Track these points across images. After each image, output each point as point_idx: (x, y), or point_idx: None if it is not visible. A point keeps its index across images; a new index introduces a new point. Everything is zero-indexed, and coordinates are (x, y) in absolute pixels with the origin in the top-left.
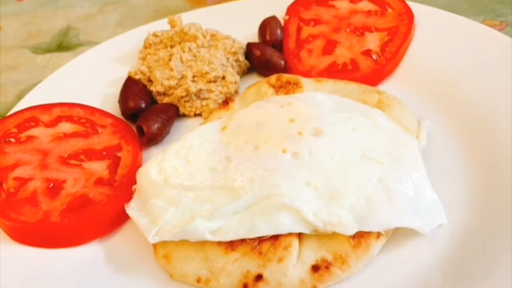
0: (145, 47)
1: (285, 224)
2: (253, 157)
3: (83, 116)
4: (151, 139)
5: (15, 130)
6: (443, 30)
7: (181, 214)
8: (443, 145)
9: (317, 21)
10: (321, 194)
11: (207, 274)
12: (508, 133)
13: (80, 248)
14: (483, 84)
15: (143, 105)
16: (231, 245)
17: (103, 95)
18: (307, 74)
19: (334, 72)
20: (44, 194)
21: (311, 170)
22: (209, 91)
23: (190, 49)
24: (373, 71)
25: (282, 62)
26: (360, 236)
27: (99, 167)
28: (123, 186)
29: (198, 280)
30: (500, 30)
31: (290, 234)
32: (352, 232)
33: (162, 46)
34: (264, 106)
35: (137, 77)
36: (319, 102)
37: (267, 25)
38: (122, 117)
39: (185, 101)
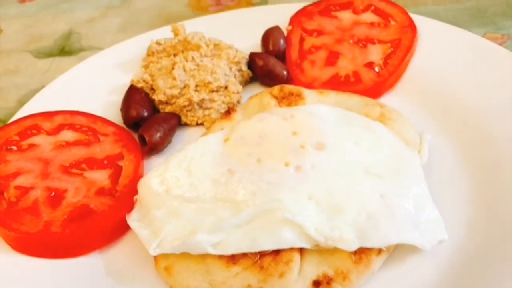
0: (148, 55)
1: (287, 238)
2: (255, 170)
3: (85, 124)
4: (153, 148)
5: (16, 137)
6: (445, 44)
7: (182, 226)
8: (444, 160)
9: (320, 32)
10: (323, 209)
11: None
12: (510, 147)
13: (80, 258)
14: (485, 98)
15: (145, 114)
16: (233, 259)
17: (105, 103)
18: (309, 85)
19: (337, 84)
20: (45, 203)
21: (314, 185)
22: (212, 100)
23: (193, 58)
24: (375, 83)
25: (285, 73)
26: (361, 252)
27: (101, 177)
28: (124, 197)
29: None
30: (501, 43)
31: (291, 249)
32: (354, 248)
33: (165, 54)
34: (266, 118)
35: (139, 85)
36: (321, 115)
37: (270, 35)
38: (124, 126)
39: (187, 111)
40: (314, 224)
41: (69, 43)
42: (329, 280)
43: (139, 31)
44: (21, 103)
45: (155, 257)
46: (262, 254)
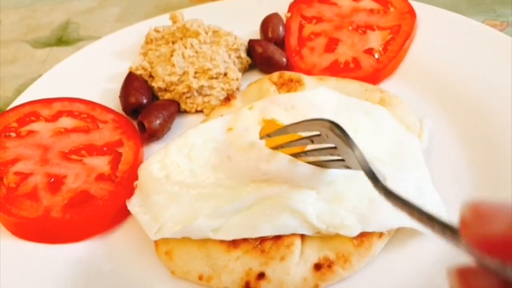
0: (146, 42)
1: (288, 225)
2: (255, 157)
3: (84, 111)
4: (152, 135)
5: (15, 124)
6: (445, 30)
7: (183, 212)
8: (444, 145)
9: (319, 19)
10: (324, 196)
11: (209, 272)
12: (510, 133)
13: (81, 244)
14: (485, 83)
15: (144, 101)
16: (233, 243)
17: (104, 90)
18: (309, 72)
19: (336, 70)
20: (45, 189)
21: (315, 171)
22: (211, 87)
23: (192, 45)
24: (375, 69)
25: (284, 60)
26: (362, 235)
27: (100, 163)
28: (124, 182)
29: (200, 278)
30: (500, 31)
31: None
32: (356, 233)
33: (163, 41)
34: (268, 109)
35: (138, 72)
36: (322, 103)
37: (269, 22)
38: (123, 113)
39: (186, 98)
40: (315, 211)
41: (67, 33)
42: (330, 263)
43: (136, 21)
44: (19, 92)
45: (156, 242)
46: (263, 239)
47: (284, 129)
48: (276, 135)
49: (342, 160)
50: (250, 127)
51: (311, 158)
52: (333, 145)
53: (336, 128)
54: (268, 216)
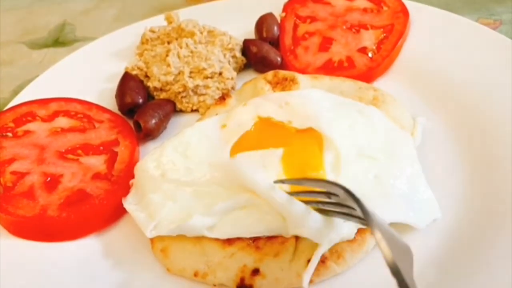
0: (142, 42)
1: (281, 228)
2: (251, 156)
3: (80, 111)
4: (148, 134)
5: (12, 124)
6: (438, 28)
7: (178, 209)
8: (437, 142)
9: (313, 18)
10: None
11: (204, 268)
12: (503, 129)
13: (77, 242)
14: (478, 81)
15: (140, 101)
16: (228, 240)
17: (100, 90)
18: (303, 71)
19: (330, 69)
20: (41, 188)
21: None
22: (206, 87)
23: (187, 45)
24: (368, 68)
25: (279, 59)
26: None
27: (97, 162)
28: (120, 181)
29: (195, 274)
30: (494, 29)
31: None
32: (353, 236)
33: (159, 42)
34: (262, 105)
35: (134, 72)
36: (316, 100)
37: (263, 22)
38: (119, 112)
39: (182, 97)
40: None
41: (63, 34)
42: (324, 259)
43: (133, 22)
44: (16, 93)
45: (152, 240)
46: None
47: (299, 181)
48: (290, 184)
49: (362, 218)
50: (243, 123)
51: (325, 208)
52: (352, 207)
53: (353, 198)
54: (262, 217)
